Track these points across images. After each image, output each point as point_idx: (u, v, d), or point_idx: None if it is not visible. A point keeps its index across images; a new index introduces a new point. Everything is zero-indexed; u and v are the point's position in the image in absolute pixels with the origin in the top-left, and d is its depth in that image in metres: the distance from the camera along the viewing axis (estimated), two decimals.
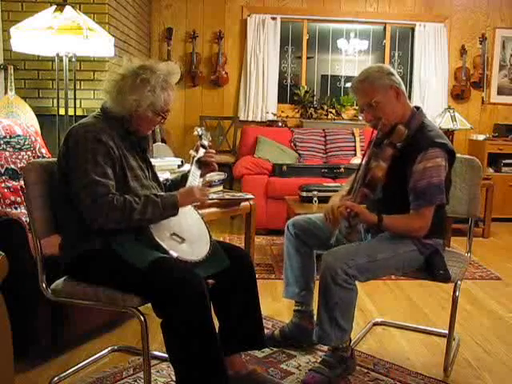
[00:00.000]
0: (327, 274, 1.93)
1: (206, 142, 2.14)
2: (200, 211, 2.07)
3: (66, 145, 1.80)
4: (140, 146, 1.95)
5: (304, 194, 3.77)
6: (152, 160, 2.08)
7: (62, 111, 3.45)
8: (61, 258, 1.87)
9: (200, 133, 2.16)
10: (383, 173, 1.96)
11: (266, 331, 2.22)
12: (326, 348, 2.15)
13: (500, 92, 6.12)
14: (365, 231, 2.26)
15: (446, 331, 2.23)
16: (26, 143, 2.70)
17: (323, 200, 3.68)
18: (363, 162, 2.06)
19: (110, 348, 2.28)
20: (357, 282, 1.99)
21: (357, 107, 6.06)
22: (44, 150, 2.78)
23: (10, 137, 2.63)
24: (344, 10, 5.98)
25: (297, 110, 6.08)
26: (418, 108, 2.13)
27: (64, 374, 2.03)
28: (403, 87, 2.09)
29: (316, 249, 2.34)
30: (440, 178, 1.98)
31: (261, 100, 5.89)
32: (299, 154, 5.24)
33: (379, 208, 2.06)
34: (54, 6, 3.17)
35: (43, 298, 1.86)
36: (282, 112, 6.00)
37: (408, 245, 2.06)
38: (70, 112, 3.49)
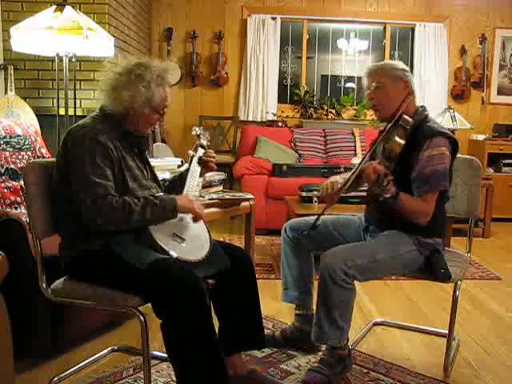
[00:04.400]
0: (326, 274, 1.93)
1: (204, 142, 2.14)
2: None
3: (64, 146, 1.80)
4: (139, 146, 1.95)
5: (304, 193, 3.77)
6: (152, 160, 2.08)
7: (62, 111, 3.45)
8: (61, 258, 1.87)
9: (198, 132, 2.16)
10: (400, 149, 1.96)
11: (266, 331, 2.22)
12: (325, 348, 2.15)
13: (500, 92, 6.12)
14: (363, 231, 2.26)
15: (446, 331, 2.23)
16: (26, 143, 2.70)
17: (323, 200, 3.68)
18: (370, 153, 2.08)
19: (110, 348, 2.28)
20: (356, 283, 1.99)
21: (357, 107, 6.08)
22: (44, 150, 2.78)
23: (10, 137, 2.63)
24: (344, 9, 5.98)
25: (297, 110, 6.08)
26: (421, 106, 2.18)
27: (64, 374, 2.03)
28: (414, 87, 2.14)
29: (314, 251, 2.33)
30: (444, 166, 2.02)
31: (261, 100, 5.88)
32: (299, 154, 5.24)
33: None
34: (54, 6, 3.17)
35: (43, 298, 1.86)
36: (282, 112, 6.00)
37: (408, 245, 2.06)
38: (70, 112, 3.49)
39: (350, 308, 2.00)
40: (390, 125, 2.08)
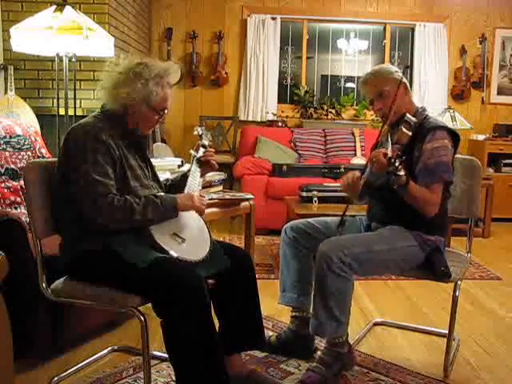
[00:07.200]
0: (322, 261, 1.95)
1: (206, 142, 2.15)
2: None
3: (65, 145, 1.80)
4: (140, 145, 1.95)
5: (304, 193, 3.77)
6: (152, 160, 2.08)
7: (62, 111, 3.45)
8: (61, 258, 1.87)
9: (200, 132, 2.17)
10: (407, 140, 2.02)
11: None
12: (323, 346, 2.15)
13: (500, 92, 6.12)
14: (365, 228, 2.26)
15: (446, 331, 2.23)
16: (26, 143, 2.69)
17: (323, 200, 3.69)
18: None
19: (110, 348, 2.28)
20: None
21: (357, 107, 6.08)
22: (44, 150, 2.78)
23: (10, 137, 2.63)
24: (344, 9, 5.98)
25: (297, 110, 6.08)
26: (421, 107, 2.23)
27: (64, 374, 2.03)
28: (409, 87, 2.23)
29: (314, 251, 2.33)
30: (448, 157, 2.07)
31: (261, 100, 5.88)
32: (299, 154, 5.24)
33: (384, 193, 2.08)
34: (54, 6, 3.17)
35: (43, 298, 1.86)
36: (282, 112, 6.00)
37: (408, 240, 2.07)
38: (70, 112, 3.49)
39: (347, 300, 2.00)
40: (387, 121, 2.13)
